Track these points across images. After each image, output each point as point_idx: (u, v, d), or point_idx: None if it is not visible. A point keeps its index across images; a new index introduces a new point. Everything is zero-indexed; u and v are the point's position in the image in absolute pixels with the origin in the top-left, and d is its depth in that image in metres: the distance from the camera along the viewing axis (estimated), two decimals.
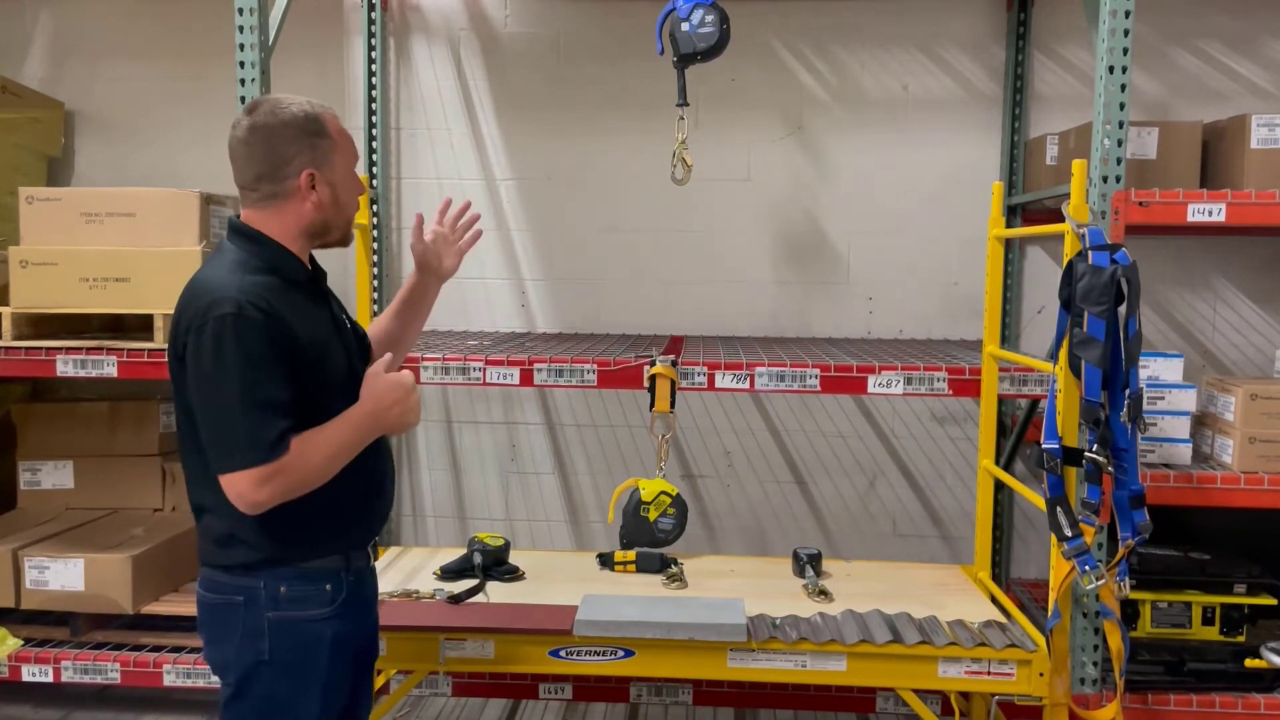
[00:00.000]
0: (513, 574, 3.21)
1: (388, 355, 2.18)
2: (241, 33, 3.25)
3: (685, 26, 3.07)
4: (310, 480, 2.01)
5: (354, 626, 2.18)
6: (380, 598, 2.96)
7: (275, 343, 1.97)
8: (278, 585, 2.06)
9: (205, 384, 1.97)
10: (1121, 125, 2.97)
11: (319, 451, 2.01)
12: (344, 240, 2.23)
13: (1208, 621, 3.34)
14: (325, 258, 4.72)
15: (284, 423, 1.96)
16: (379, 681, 3.40)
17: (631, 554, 3.27)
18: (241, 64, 3.26)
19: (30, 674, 3.53)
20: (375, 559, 2.31)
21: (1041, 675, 2.68)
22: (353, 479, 2.12)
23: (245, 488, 1.95)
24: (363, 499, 2.19)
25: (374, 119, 4.44)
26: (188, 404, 2.03)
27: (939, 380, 3.21)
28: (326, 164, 2.11)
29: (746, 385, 3.24)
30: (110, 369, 3.45)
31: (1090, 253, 2.57)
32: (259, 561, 2.06)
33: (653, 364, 3.20)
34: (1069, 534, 2.60)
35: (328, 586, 2.11)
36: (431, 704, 3.93)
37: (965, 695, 3.20)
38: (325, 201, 2.12)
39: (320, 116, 2.12)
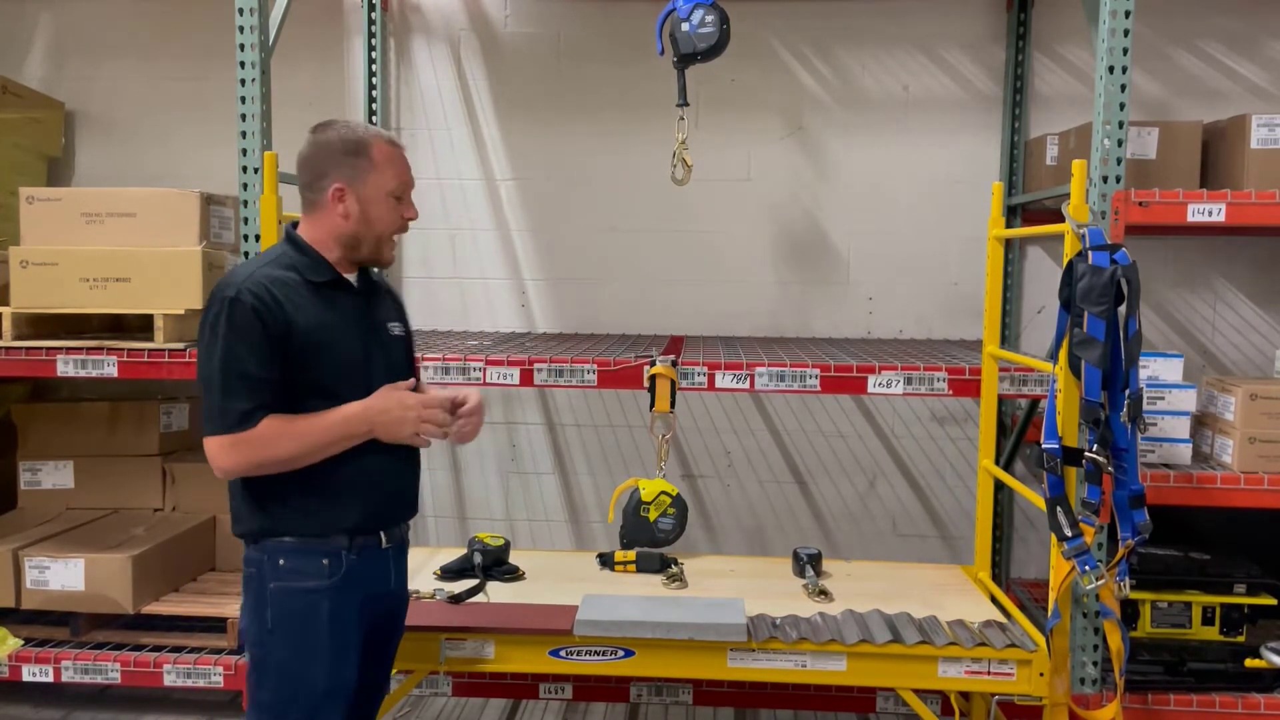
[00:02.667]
0: (513, 574, 3.21)
1: (413, 380, 2.38)
2: (241, 33, 3.25)
3: (685, 27, 3.07)
4: (283, 457, 2.16)
5: (358, 600, 2.26)
6: None
7: (265, 328, 2.13)
8: (278, 557, 2.22)
9: (200, 357, 2.20)
10: (1121, 125, 2.97)
11: (295, 433, 2.16)
12: (376, 258, 2.36)
13: (1208, 621, 3.34)
14: None
15: (257, 399, 2.14)
16: None
17: (631, 554, 3.27)
18: (241, 64, 3.26)
19: (30, 674, 3.53)
20: (391, 541, 2.35)
21: (1041, 675, 2.68)
22: (342, 466, 2.22)
23: (214, 452, 2.15)
24: (354, 486, 2.25)
25: (374, 119, 4.44)
26: None
27: (939, 380, 3.21)
28: (360, 182, 2.28)
29: (746, 385, 3.24)
30: (110, 369, 3.45)
31: (1090, 253, 2.57)
32: (258, 532, 2.23)
33: (653, 364, 3.20)
34: (1069, 534, 2.60)
35: (325, 561, 2.22)
36: (431, 704, 3.93)
37: (965, 695, 3.20)
38: (352, 215, 2.28)
39: (367, 141, 2.30)
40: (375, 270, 2.47)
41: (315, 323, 2.21)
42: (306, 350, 2.18)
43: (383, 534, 2.33)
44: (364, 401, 2.24)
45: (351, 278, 2.36)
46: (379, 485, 2.31)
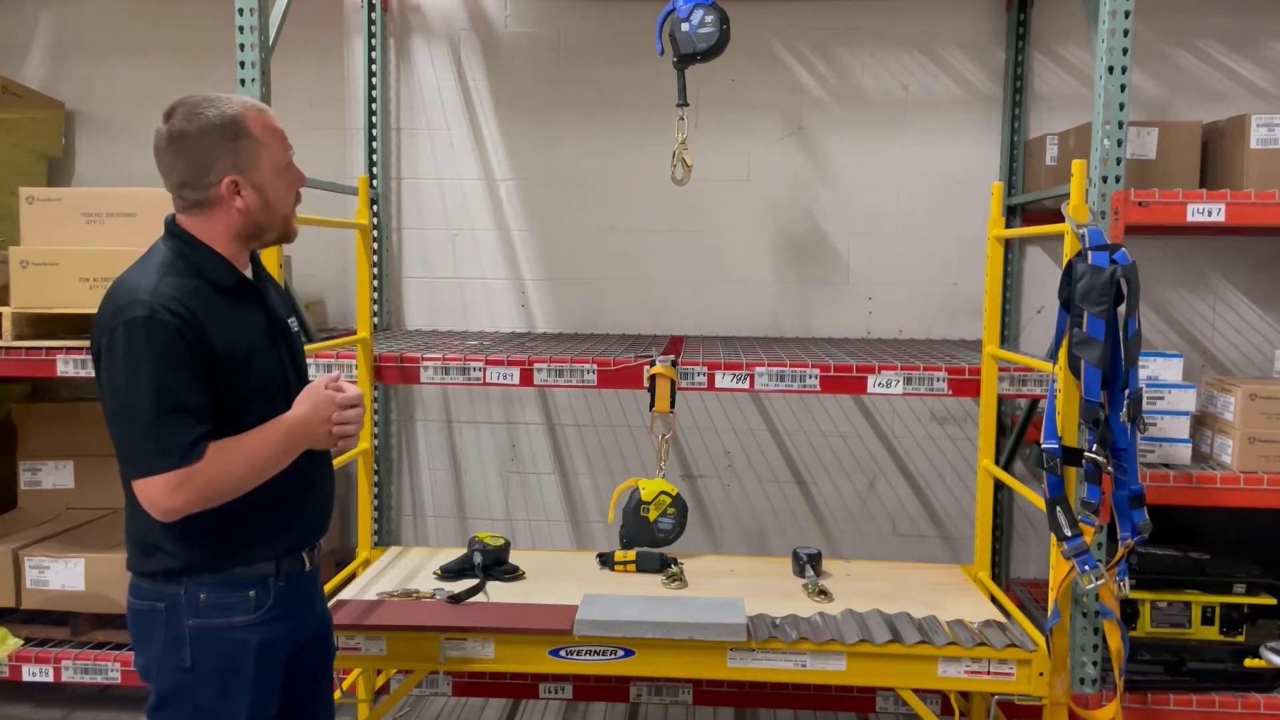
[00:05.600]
0: (513, 574, 3.21)
1: (336, 373, 2.19)
2: (241, 33, 3.25)
3: (685, 27, 3.07)
4: (231, 487, 1.98)
5: (285, 631, 2.12)
6: (380, 597, 2.99)
7: (190, 347, 1.94)
8: (198, 592, 2.02)
9: (116, 388, 1.95)
10: (1121, 125, 2.97)
11: (240, 458, 1.98)
12: (285, 237, 2.19)
13: (1207, 621, 3.34)
14: (326, 258, 4.73)
15: (199, 428, 1.94)
16: (379, 681, 3.41)
17: (631, 554, 3.27)
18: (241, 64, 3.26)
19: (30, 674, 3.53)
20: (311, 565, 2.22)
21: (1041, 675, 2.68)
22: (272, 487, 2.06)
23: (158, 494, 1.93)
24: (284, 508, 2.12)
25: (374, 119, 4.44)
26: None
27: (939, 380, 3.21)
28: (251, 166, 2.06)
29: (746, 385, 3.24)
30: None
31: (1090, 253, 2.57)
32: (178, 569, 2.02)
33: (653, 364, 3.20)
34: (1069, 534, 2.60)
35: (251, 593, 2.06)
36: (431, 704, 3.93)
37: (965, 695, 3.20)
38: (253, 206, 2.07)
39: (239, 117, 2.05)
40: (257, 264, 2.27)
41: (232, 336, 2.02)
42: (229, 370, 2.00)
43: (305, 557, 2.19)
44: (297, 411, 2.07)
45: (248, 273, 2.16)
46: (304, 502, 2.17)
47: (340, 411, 2.10)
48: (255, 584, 2.07)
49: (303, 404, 2.08)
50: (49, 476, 4.11)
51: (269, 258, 2.87)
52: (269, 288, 2.24)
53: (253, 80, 3.26)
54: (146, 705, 2.09)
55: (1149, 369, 3.34)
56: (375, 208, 4.40)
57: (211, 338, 1.97)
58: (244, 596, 2.06)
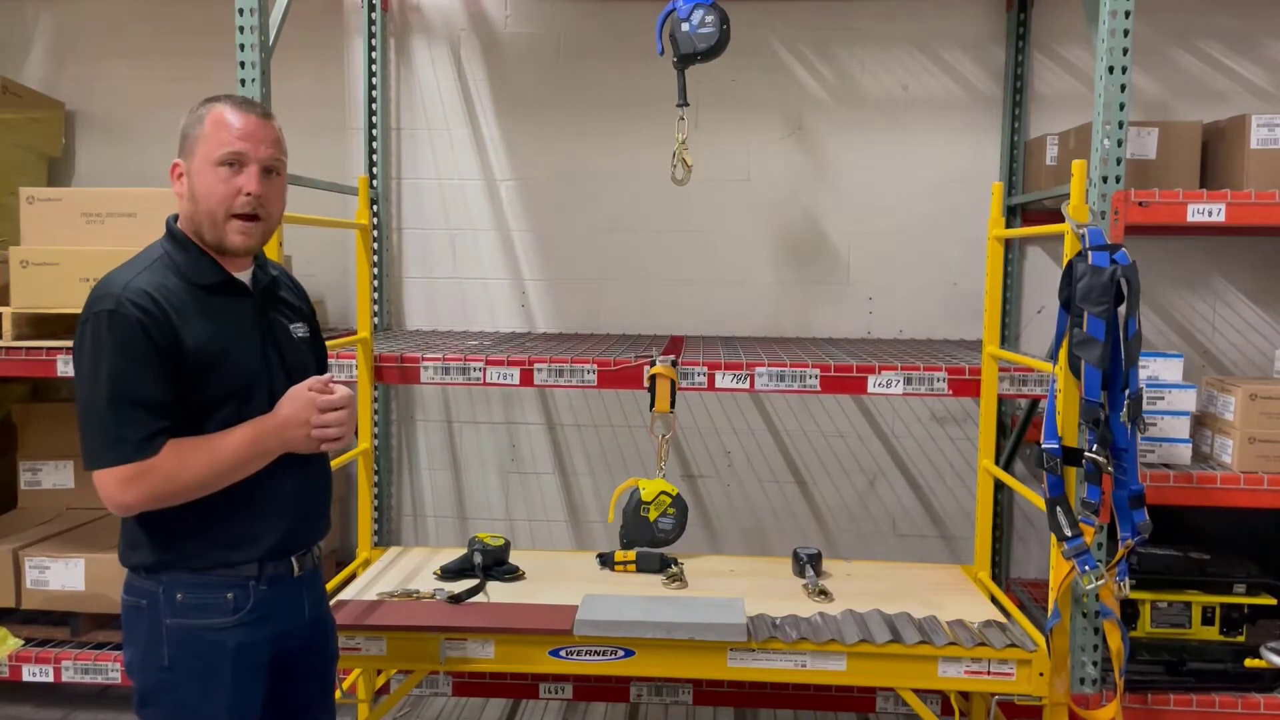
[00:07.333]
0: (513, 574, 3.21)
1: (327, 375, 2.16)
2: (241, 33, 3.25)
3: (685, 27, 3.07)
4: (190, 486, 1.96)
5: (266, 635, 2.07)
6: (380, 597, 2.99)
7: (154, 342, 1.93)
8: (175, 591, 2.01)
9: (81, 379, 1.96)
10: (1121, 125, 2.97)
11: (201, 457, 1.96)
12: (219, 242, 2.06)
13: (1207, 621, 3.34)
14: (326, 258, 4.73)
15: (157, 423, 1.93)
16: (379, 681, 3.41)
17: (631, 554, 3.27)
18: (241, 64, 3.26)
19: (30, 674, 3.53)
20: (303, 569, 2.17)
21: (1041, 675, 2.68)
22: (259, 488, 2.04)
23: (111, 488, 1.94)
24: (270, 511, 2.08)
25: (374, 119, 4.44)
26: None
27: (939, 380, 3.21)
28: (190, 154, 2.06)
29: (746, 385, 3.24)
30: None
31: (1090, 253, 2.57)
32: (156, 565, 2.02)
33: (653, 364, 3.20)
34: (1069, 534, 2.60)
35: (230, 595, 2.03)
36: (431, 704, 3.93)
37: (965, 695, 3.20)
38: (184, 194, 2.08)
39: (206, 110, 2.07)
40: (273, 267, 2.24)
41: (206, 336, 1.99)
42: (199, 368, 1.97)
43: (294, 561, 2.13)
44: (276, 412, 2.03)
45: (244, 276, 2.12)
46: (292, 506, 2.12)
47: (319, 415, 2.06)
48: (235, 586, 2.04)
49: (284, 405, 2.06)
50: (49, 476, 4.11)
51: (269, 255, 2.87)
52: (275, 289, 2.21)
53: (253, 80, 3.26)
54: (134, 701, 2.09)
55: (1149, 369, 3.34)
56: (375, 208, 4.40)
57: (181, 335, 1.96)
58: (222, 598, 2.03)
